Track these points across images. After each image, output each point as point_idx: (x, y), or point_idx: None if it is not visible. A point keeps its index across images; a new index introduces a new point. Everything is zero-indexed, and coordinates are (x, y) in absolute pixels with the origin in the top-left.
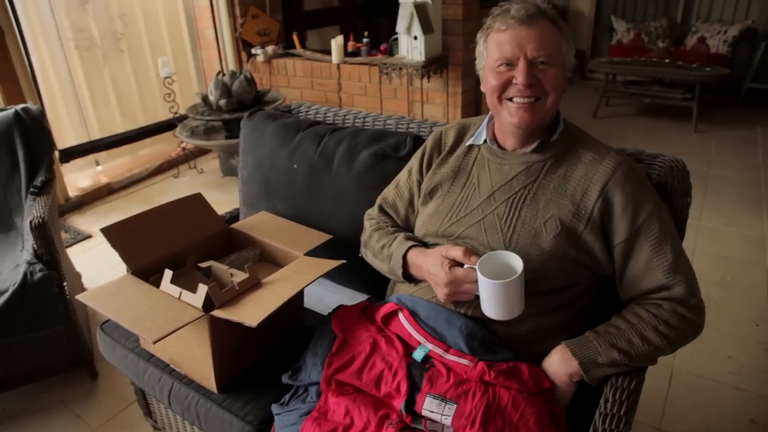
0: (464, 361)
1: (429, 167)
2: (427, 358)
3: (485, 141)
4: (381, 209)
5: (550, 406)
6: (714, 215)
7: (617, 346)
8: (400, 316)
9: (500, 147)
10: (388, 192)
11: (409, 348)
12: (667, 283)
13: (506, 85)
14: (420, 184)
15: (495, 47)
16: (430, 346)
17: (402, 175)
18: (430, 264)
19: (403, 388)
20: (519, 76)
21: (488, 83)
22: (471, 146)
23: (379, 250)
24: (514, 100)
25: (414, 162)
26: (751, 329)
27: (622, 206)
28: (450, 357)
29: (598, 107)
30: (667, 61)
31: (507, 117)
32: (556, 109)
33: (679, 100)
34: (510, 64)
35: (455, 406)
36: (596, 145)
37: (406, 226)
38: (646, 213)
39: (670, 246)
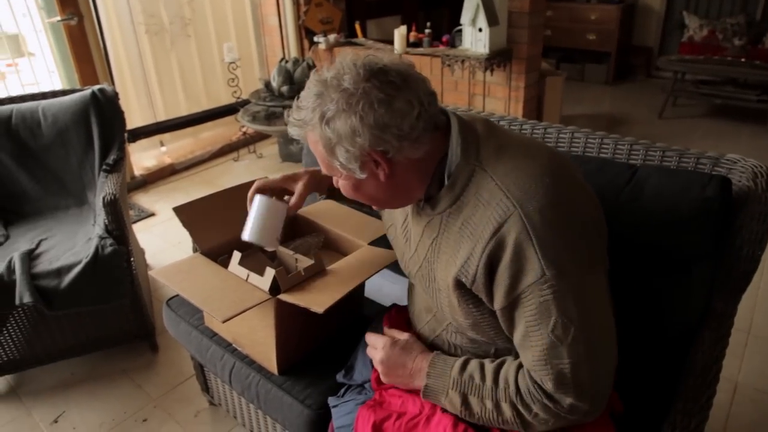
0: None
1: None
2: None
3: None
4: None
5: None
6: None
7: (467, 401)
8: None
9: None
10: None
11: None
12: (537, 372)
13: None
14: None
15: None
16: None
17: None
18: None
19: None
20: None
21: None
22: None
23: None
24: None
25: None
26: None
27: (501, 269)
28: None
29: (664, 107)
30: (743, 60)
31: None
32: (383, 203)
33: (754, 102)
34: None
35: None
36: (491, 182)
37: None
38: (525, 283)
39: (551, 330)
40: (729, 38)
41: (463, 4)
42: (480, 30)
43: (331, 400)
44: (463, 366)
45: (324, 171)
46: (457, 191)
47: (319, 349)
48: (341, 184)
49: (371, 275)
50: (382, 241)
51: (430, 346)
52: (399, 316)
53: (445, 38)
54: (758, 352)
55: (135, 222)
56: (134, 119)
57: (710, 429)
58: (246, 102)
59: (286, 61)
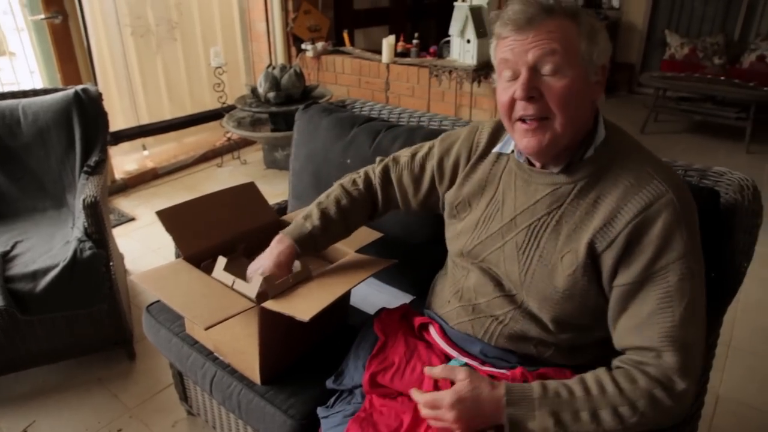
0: (502, 370)
1: (455, 168)
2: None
3: (512, 151)
4: (384, 172)
5: None
6: (767, 239)
7: (558, 416)
8: (432, 330)
9: (528, 162)
10: (402, 157)
11: (447, 358)
12: (659, 348)
13: (513, 102)
14: (435, 173)
15: (499, 59)
16: (464, 360)
17: (421, 151)
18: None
19: None
20: (518, 89)
21: (498, 101)
22: (500, 154)
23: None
24: (520, 121)
25: (438, 149)
26: None
27: (644, 243)
28: (486, 368)
29: (646, 122)
30: (722, 78)
31: (518, 141)
32: (571, 130)
33: (733, 120)
34: (515, 77)
35: None
36: (639, 168)
37: (385, 207)
38: (668, 259)
39: (683, 307)
40: (709, 57)
41: (450, 16)
42: (468, 41)
43: (320, 411)
44: (543, 386)
45: (550, 64)
46: (601, 162)
47: (303, 358)
48: (560, 86)
49: (359, 282)
50: (369, 249)
51: (471, 321)
52: (389, 318)
53: (432, 49)
54: (739, 365)
55: (114, 226)
56: (116, 122)
57: None
58: (231, 107)
59: (273, 68)
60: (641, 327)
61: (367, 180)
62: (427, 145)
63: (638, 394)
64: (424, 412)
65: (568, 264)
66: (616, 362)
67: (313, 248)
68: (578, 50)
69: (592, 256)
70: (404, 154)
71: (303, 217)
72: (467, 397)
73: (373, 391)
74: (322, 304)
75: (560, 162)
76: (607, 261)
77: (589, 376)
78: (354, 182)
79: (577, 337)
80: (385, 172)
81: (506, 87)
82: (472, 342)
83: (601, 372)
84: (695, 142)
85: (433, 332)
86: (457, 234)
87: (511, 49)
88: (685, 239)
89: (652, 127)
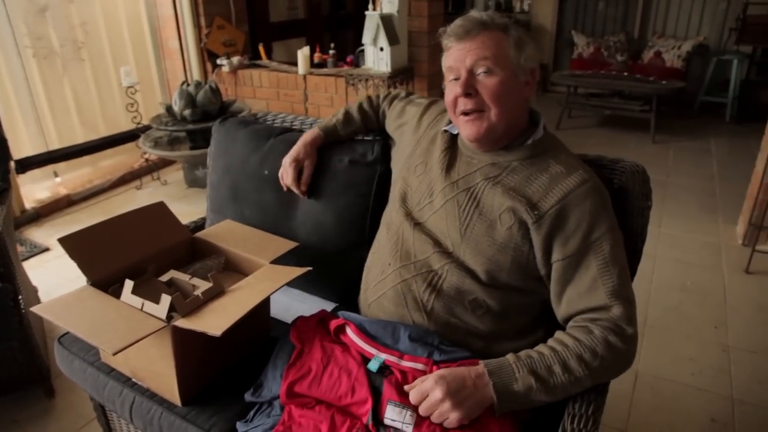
0: (419, 366)
1: (420, 123)
2: (383, 367)
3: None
4: (389, 100)
5: None
6: (673, 222)
7: (536, 373)
8: (348, 330)
9: None
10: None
11: (364, 359)
12: (608, 304)
13: (456, 100)
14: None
15: (446, 66)
16: (384, 356)
17: (412, 101)
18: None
19: (368, 398)
20: (458, 87)
21: (445, 100)
22: (450, 135)
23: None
24: (463, 114)
25: (418, 110)
26: (711, 332)
27: (576, 221)
28: (405, 363)
29: (560, 119)
30: (625, 74)
31: (461, 131)
32: (505, 120)
33: (638, 112)
34: (457, 78)
35: (415, 414)
36: (568, 160)
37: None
38: (600, 232)
39: (618, 270)
40: (612, 54)
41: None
42: (381, 49)
43: (240, 426)
44: (514, 354)
45: (483, 66)
46: (536, 152)
47: (225, 374)
48: (492, 82)
49: (272, 293)
50: (284, 259)
51: (414, 277)
52: (305, 325)
53: (349, 58)
54: (654, 342)
55: (26, 258)
56: (23, 148)
57: (615, 416)
58: (147, 127)
59: (188, 84)
60: (589, 291)
61: (377, 101)
62: (418, 99)
63: (596, 342)
64: (420, 408)
65: (506, 220)
66: (570, 323)
67: (336, 137)
68: (508, 56)
69: (525, 221)
70: (402, 96)
71: (331, 117)
72: (446, 374)
73: (291, 401)
74: (234, 318)
75: (499, 146)
76: (538, 236)
77: (550, 340)
78: (369, 99)
79: (507, 297)
80: (390, 100)
81: (451, 88)
82: (395, 328)
83: (559, 333)
84: (606, 135)
85: (350, 332)
86: (413, 191)
87: (453, 57)
88: (609, 215)
89: (566, 123)
